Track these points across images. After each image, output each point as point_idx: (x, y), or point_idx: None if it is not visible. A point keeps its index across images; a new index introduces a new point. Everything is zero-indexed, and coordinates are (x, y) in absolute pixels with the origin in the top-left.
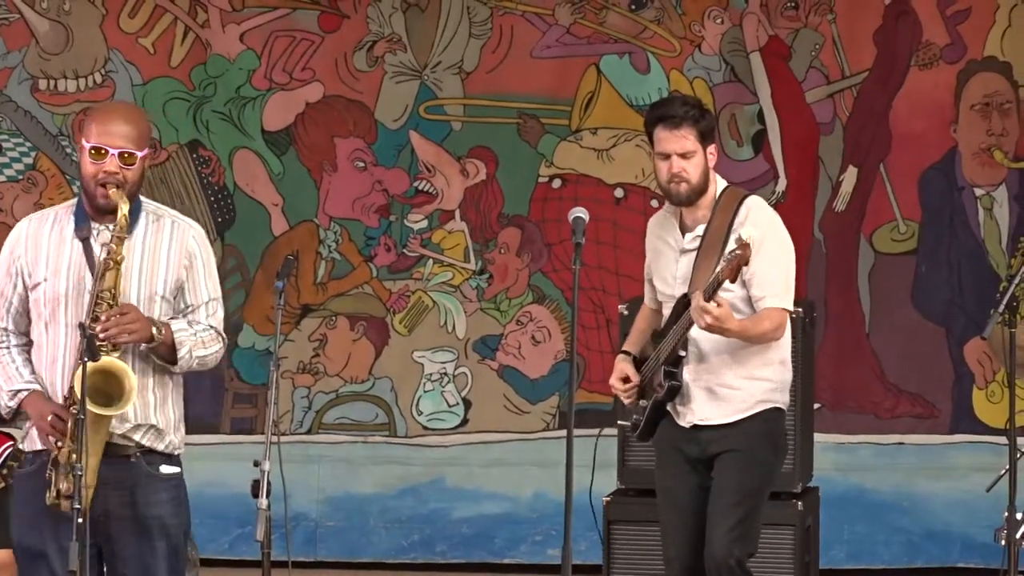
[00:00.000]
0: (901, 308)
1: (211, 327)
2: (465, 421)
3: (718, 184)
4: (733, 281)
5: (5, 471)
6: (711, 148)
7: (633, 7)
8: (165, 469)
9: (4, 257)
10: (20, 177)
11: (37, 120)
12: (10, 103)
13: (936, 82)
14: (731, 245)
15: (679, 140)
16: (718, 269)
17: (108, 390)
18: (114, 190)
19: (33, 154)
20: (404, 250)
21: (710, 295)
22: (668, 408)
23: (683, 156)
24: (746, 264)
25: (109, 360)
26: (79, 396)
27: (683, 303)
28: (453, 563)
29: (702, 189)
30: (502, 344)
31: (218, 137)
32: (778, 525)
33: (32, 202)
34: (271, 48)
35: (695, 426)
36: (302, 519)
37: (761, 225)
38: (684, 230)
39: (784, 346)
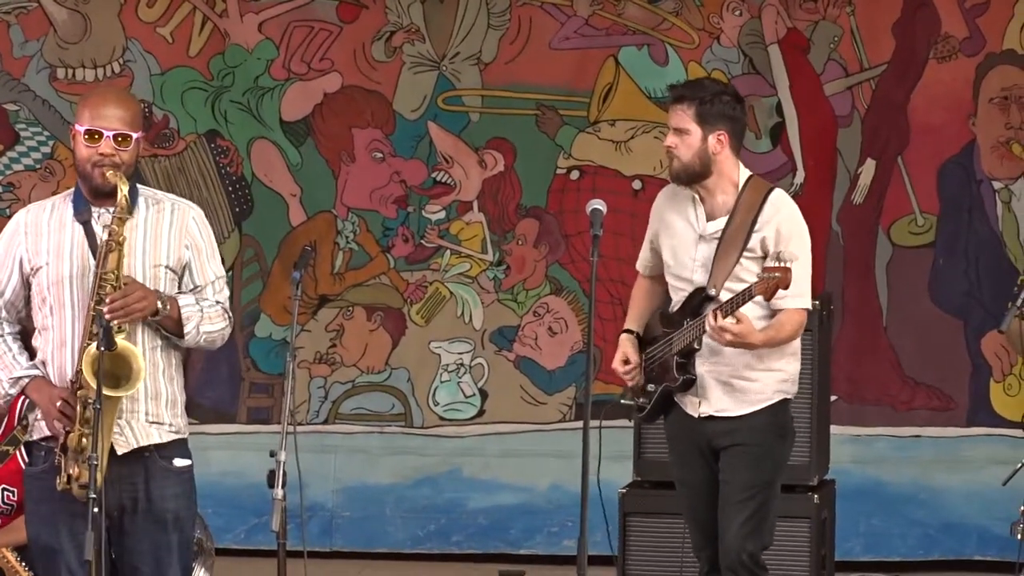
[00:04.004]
0: (918, 301)
1: (218, 303)
2: (481, 412)
3: (741, 174)
4: (768, 300)
5: (26, 421)
6: (716, 135)
7: None
8: (178, 462)
9: (1, 246)
10: (38, 166)
11: (55, 109)
12: (28, 92)
13: (954, 75)
14: (768, 258)
15: (675, 114)
16: (754, 286)
17: (116, 371)
18: (111, 171)
19: (51, 143)
20: (422, 241)
21: (728, 312)
22: (676, 398)
23: (676, 132)
24: (785, 288)
25: (118, 341)
26: (87, 380)
27: (700, 296)
28: (469, 553)
29: (696, 172)
30: (519, 335)
31: (236, 127)
32: (794, 518)
33: (50, 191)
34: (289, 38)
35: (705, 416)
36: (318, 509)
37: (787, 225)
38: (707, 215)
39: (798, 337)
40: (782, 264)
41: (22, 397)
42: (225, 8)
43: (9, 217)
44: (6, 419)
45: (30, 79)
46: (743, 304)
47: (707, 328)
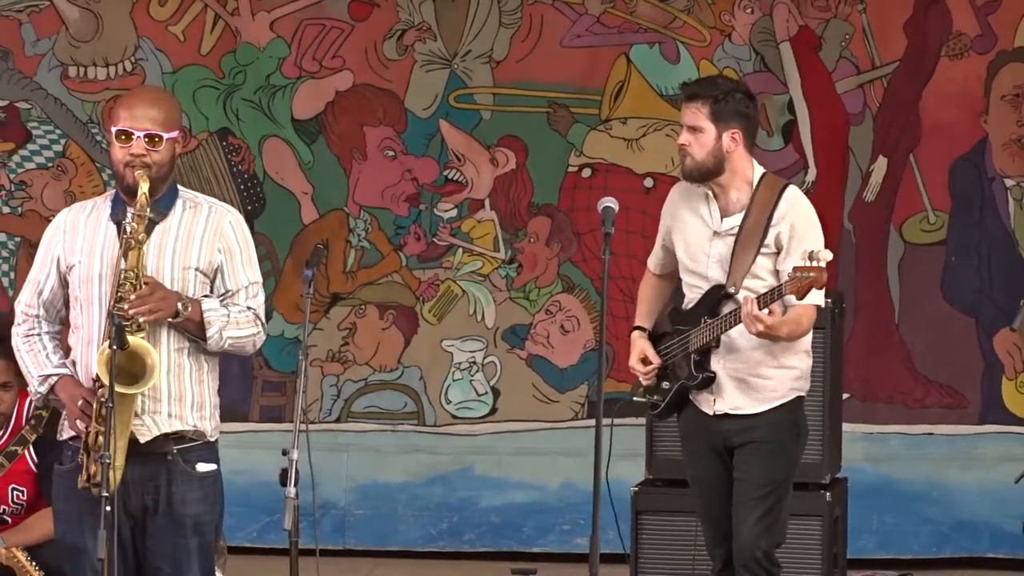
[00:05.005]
0: (930, 298)
1: (249, 309)
2: (494, 410)
3: (755, 171)
4: (800, 299)
5: (33, 420)
6: (730, 133)
7: None
8: (201, 467)
9: (42, 245)
10: (50, 164)
11: (67, 108)
12: (40, 90)
13: (966, 72)
14: (796, 259)
15: (689, 113)
16: (785, 285)
17: (132, 369)
18: (140, 171)
19: (63, 141)
20: (434, 239)
21: (766, 304)
22: (692, 396)
23: (690, 130)
24: (819, 288)
25: (131, 339)
26: (102, 378)
27: (718, 294)
28: (481, 552)
29: (709, 170)
30: (531, 333)
31: (248, 125)
32: (806, 516)
33: (61, 189)
34: (301, 36)
35: (720, 414)
36: (330, 507)
37: (801, 221)
38: (722, 212)
39: (809, 335)
40: (815, 264)
41: (28, 397)
42: (236, 6)
43: (21, 216)
44: (14, 419)
45: (42, 77)
46: (775, 301)
47: (741, 315)
